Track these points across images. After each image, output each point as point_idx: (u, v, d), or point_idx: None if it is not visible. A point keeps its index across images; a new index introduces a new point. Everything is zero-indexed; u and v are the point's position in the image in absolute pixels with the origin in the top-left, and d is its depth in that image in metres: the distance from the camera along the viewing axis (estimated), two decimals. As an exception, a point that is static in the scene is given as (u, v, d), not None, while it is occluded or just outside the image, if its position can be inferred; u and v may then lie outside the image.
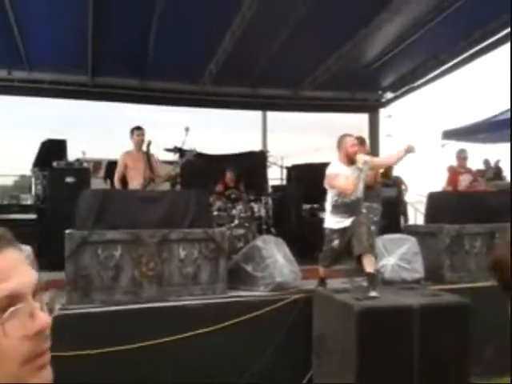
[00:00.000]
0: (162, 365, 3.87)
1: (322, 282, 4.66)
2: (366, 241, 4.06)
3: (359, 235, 4.09)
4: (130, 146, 5.83)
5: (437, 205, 5.48)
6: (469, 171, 6.95)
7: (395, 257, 4.68)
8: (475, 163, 9.65)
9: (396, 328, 3.69)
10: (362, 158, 4.30)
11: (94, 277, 4.09)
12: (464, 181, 6.70)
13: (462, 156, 6.83)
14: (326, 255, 4.41)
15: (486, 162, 9.64)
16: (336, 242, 4.31)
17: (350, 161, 4.34)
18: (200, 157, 6.92)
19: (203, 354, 4.02)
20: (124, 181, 5.68)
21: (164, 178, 5.79)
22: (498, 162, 9.52)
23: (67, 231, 4.16)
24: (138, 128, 5.84)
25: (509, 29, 7.22)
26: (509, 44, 7.54)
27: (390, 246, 4.76)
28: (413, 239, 4.87)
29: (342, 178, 4.26)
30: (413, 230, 5.39)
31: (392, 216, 7.21)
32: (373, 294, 4.00)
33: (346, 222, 4.26)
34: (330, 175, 4.31)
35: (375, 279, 4.24)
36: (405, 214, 9.09)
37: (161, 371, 3.88)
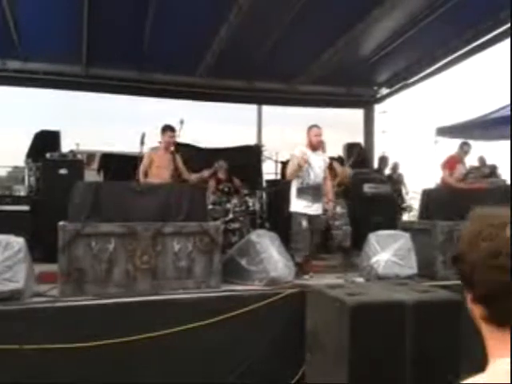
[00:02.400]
0: (155, 358, 3.87)
1: (304, 273, 4.73)
2: None
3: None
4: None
5: (431, 201, 5.49)
6: (464, 164, 7.11)
7: (389, 252, 4.70)
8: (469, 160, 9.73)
9: (389, 323, 3.70)
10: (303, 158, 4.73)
11: (87, 269, 4.08)
12: (460, 169, 6.84)
13: (464, 149, 7.09)
14: (297, 239, 4.46)
15: (481, 159, 9.65)
16: (304, 224, 4.43)
17: (313, 148, 4.92)
18: (194, 149, 6.90)
19: (196, 347, 4.02)
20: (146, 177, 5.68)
21: (192, 179, 5.87)
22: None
23: (60, 223, 4.14)
24: (172, 129, 5.84)
25: (503, 27, 7.23)
26: (503, 42, 7.57)
27: (384, 242, 4.78)
28: (406, 235, 4.88)
29: (293, 160, 4.74)
30: (407, 227, 5.40)
31: (387, 213, 7.23)
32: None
33: (313, 207, 4.48)
34: (292, 154, 4.84)
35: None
36: (408, 210, 9.22)
37: (154, 365, 3.88)
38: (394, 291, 4.07)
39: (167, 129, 5.82)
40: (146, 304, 4.03)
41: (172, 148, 5.88)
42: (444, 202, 5.33)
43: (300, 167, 4.64)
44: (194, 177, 5.86)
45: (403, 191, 9.89)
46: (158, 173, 5.60)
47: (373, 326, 3.64)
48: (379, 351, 3.64)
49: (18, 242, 3.87)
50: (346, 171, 6.19)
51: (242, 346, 4.20)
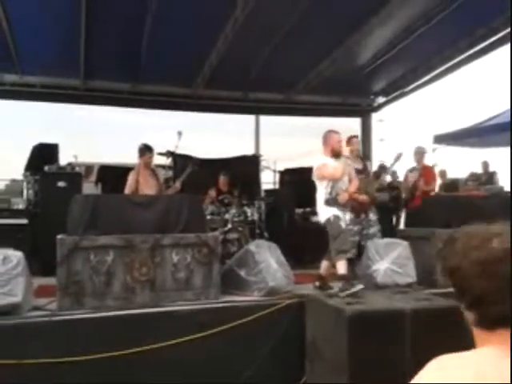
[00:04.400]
0: (154, 371, 3.85)
1: (323, 283, 4.67)
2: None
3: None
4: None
5: (429, 209, 5.50)
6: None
7: (387, 261, 4.69)
8: (470, 167, 9.74)
9: (388, 332, 3.69)
10: (346, 149, 4.62)
11: (85, 282, 4.07)
12: (411, 177, 6.82)
13: (419, 151, 6.96)
14: (341, 241, 4.33)
15: (485, 164, 9.52)
16: (343, 225, 4.37)
17: (336, 155, 4.58)
18: (192, 161, 6.92)
19: (196, 359, 4.00)
20: None
21: (173, 191, 5.86)
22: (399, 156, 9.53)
23: (59, 236, 4.14)
24: (150, 150, 5.94)
25: (498, 35, 7.29)
26: (498, 50, 7.64)
27: (383, 251, 4.77)
28: (405, 243, 4.89)
29: (330, 166, 4.50)
30: (406, 235, 5.40)
31: (385, 221, 7.23)
32: (359, 286, 4.13)
33: (346, 216, 4.41)
34: (319, 166, 4.54)
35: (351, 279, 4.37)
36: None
37: (153, 377, 3.87)
38: (393, 299, 4.07)
39: (146, 149, 5.89)
40: (145, 316, 4.01)
41: (152, 166, 6.01)
42: (442, 209, 5.34)
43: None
44: (169, 191, 5.93)
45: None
46: (147, 190, 5.67)
47: (371, 334, 3.64)
48: (378, 360, 3.63)
49: (16, 255, 3.86)
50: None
51: (241, 356, 4.18)
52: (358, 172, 5.62)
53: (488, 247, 1.04)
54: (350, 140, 5.81)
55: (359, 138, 10.22)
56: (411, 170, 6.97)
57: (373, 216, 5.56)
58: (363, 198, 5.42)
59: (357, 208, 5.29)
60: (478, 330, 1.07)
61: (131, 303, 4.14)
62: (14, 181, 9.78)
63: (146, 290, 4.23)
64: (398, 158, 5.74)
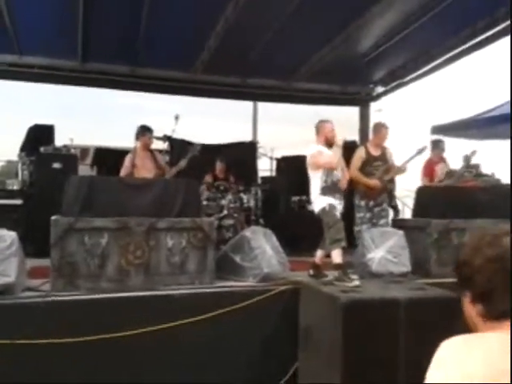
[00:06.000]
0: (147, 354, 3.86)
1: (318, 271, 4.67)
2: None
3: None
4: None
5: (425, 199, 5.50)
6: (444, 161, 7.00)
7: (382, 250, 4.69)
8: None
9: (382, 321, 3.69)
10: (339, 137, 4.51)
11: (79, 264, 4.05)
12: (440, 169, 6.76)
13: (440, 147, 6.94)
14: (335, 230, 4.29)
15: (466, 158, 9.55)
16: (338, 214, 4.36)
17: (329, 144, 4.55)
18: (188, 145, 6.86)
19: (189, 344, 4.00)
20: None
21: (172, 173, 5.77)
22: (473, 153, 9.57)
23: (53, 217, 4.11)
24: (150, 131, 5.84)
25: (500, 26, 7.23)
26: (500, 41, 7.57)
27: (378, 239, 4.77)
28: (400, 233, 4.88)
29: (326, 154, 4.47)
30: (400, 225, 5.40)
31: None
32: (356, 282, 4.11)
33: (340, 205, 4.39)
34: (313, 155, 4.52)
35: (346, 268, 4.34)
36: (396, 209, 9.17)
37: (146, 361, 3.87)
38: (388, 288, 4.07)
39: (145, 130, 5.79)
40: (138, 299, 4.00)
41: (150, 147, 5.90)
42: (438, 200, 5.34)
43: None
44: (172, 171, 5.82)
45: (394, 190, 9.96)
46: (144, 173, 5.58)
47: (366, 323, 3.63)
48: (372, 349, 3.63)
49: (10, 235, 3.84)
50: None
51: (234, 342, 4.18)
52: (375, 159, 5.61)
53: (500, 244, 1.13)
54: (378, 128, 5.80)
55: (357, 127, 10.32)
56: (431, 163, 6.91)
57: (386, 206, 5.55)
58: (375, 182, 5.42)
59: (367, 193, 5.29)
60: (483, 321, 1.15)
61: (125, 286, 4.13)
62: (9, 162, 9.70)
63: (141, 273, 4.21)
64: (421, 151, 5.69)
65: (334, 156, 4.43)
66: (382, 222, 5.48)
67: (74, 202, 4.26)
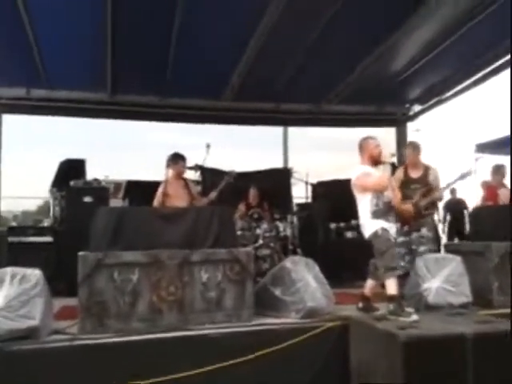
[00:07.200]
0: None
1: (368, 304, 4.27)
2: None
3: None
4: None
5: (482, 221, 5.03)
6: (505, 186, 6.63)
7: (439, 279, 4.23)
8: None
9: (447, 360, 3.25)
10: (386, 153, 4.18)
11: (109, 303, 3.76)
12: (503, 194, 6.34)
13: (501, 171, 6.62)
14: (389, 257, 3.92)
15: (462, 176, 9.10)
16: (392, 239, 3.96)
17: (375, 163, 4.20)
18: (221, 174, 6.61)
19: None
20: None
21: (205, 202, 5.52)
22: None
23: (80, 253, 3.85)
24: (183, 158, 5.65)
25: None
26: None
27: (433, 267, 4.32)
28: (458, 258, 4.42)
29: (374, 175, 4.11)
30: (455, 249, 4.93)
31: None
32: (414, 317, 3.70)
33: (393, 228, 3.99)
34: (360, 177, 4.13)
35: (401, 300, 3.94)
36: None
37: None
38: (450, 322, 3.62)
39: (178, 158, 5.57)
40: (172, 340, 3.67)
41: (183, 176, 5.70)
42: (497, 221, 4.86)
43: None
44: (203, 201, 5.55)
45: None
46: (177, 202, 5.32)
47: (429, 363, 3.20)
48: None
49: (34, 274, 3.59)
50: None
51: (279, 385, 3.78)
52: (414, 181, 5.21)
53: None
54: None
55: (394, 149, 9.91)
56: (492, 188, 6.59)
57: (426, 232, 5.09)
58: (407, 207, 4.99)
59: (401, 218, 4.87)
60: None
61: (158, 326, 3.81)
62: (45, 200, 9.65)
63: (174, 310, 3.89)
64: (465, 175, 5.26)
65: (383, 176, 4.05)
66: (421, 249, 5.02)
67: (102, 235, 4.01)
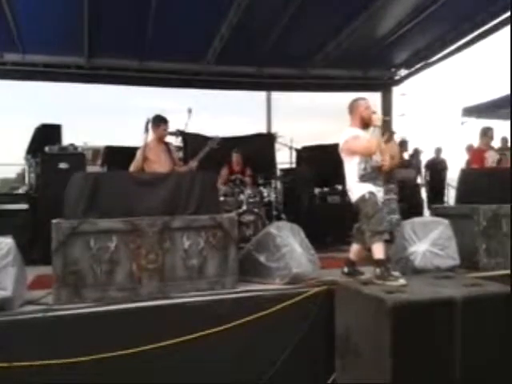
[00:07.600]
0: (164, 371, 3.39)
1: (353, 268, 4.21)
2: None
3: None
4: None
5: (470, 184, 4.94)
6: (492, 149, 6.58)
7: (427, 242, 4.15)
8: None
9: (435, 323, 3.19)
10: (377, 116, 3.96)
11: (85, 272, 3.60)
12: (491, 157, 6.30)
13: (489, 134, 6.55)
14: (376, 221, 3.77)
15: (504, 140, 9.09)
16: (380, 203, 3.83)
17: (365, 125, 4.00)
18: (203, 139, 6.40)
19: (212, 357, 3.53)
20: None
21: (188, 169, 5.29)
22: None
23: (54, 221, 3.66)
24: (165, 121, 5.37)
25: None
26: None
27: (421, 231, 4.23)
28: (445, 222, 4.33)
29: (362, 138, 3.93)
30: (442, 212, 4.85)
31: (412, 198, 6.70)
32: (401, 281, 3.60)
33: (381, 193, 3.86)
34: (349, 140, 3.94)
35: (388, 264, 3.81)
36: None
37: (163, 378, 3.40)
38: (438, 286, 3.55)
39: (161, 121, 5.31)
40: (153, 309, 3.53)
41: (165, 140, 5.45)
42: (484, 184, 4.77)
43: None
44: (183, 169, 5.34)
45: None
46: (157, 168, 5.10)
47: (417, 327, 3.14)
48: (425, 354, 3.15)
49: (6, 243, 3.40)
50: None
51: (263, 353, 3.70)
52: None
53: None
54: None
55: (379, 112, 9.76)
56: (480, 152, 6.52)
57: (393, 204, 5.01)
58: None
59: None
60: None
61: (137, 295, 3.67)
62: (23, 168, 9.31)
63: (154, 279, 3.75)
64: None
65: (371, 140, 3.88)
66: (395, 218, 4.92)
67: (77, 202, 3.81)
